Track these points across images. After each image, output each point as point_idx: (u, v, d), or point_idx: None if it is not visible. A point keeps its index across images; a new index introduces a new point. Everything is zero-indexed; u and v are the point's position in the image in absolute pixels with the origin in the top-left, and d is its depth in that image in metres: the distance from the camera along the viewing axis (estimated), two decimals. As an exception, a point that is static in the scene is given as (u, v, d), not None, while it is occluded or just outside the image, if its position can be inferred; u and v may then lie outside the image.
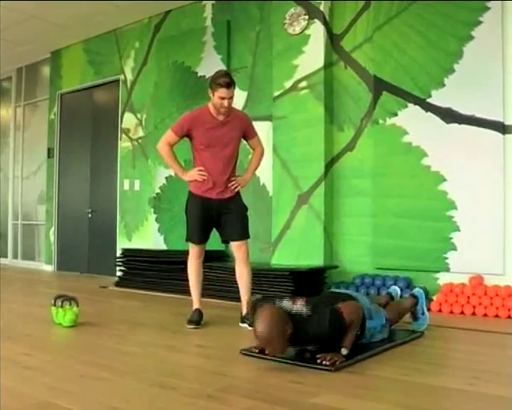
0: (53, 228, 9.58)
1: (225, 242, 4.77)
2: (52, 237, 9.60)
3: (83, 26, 8.44)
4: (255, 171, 4.88)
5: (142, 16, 8.17)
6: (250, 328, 4.25)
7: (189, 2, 7.59)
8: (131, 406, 2.50)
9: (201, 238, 4.61)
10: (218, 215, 4.55)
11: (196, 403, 2.52)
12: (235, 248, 4.58)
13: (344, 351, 3.21)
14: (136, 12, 7.97)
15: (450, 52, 5.34)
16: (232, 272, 5.87)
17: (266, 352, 3.22)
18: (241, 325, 4.46)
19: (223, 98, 4.37)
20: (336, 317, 3.20)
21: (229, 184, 4.52)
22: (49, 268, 9.56)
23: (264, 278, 5.62)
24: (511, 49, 5.07)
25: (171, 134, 4.55)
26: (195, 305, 4.58)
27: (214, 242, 7.28)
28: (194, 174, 4.49)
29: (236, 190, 4.57)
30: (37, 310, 5.34)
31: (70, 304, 4.40)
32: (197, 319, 4.44)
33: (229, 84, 4.39)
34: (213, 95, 4.44)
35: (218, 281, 6.03)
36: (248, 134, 4.70)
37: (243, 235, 4.58)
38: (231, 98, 4.44)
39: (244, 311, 4.47)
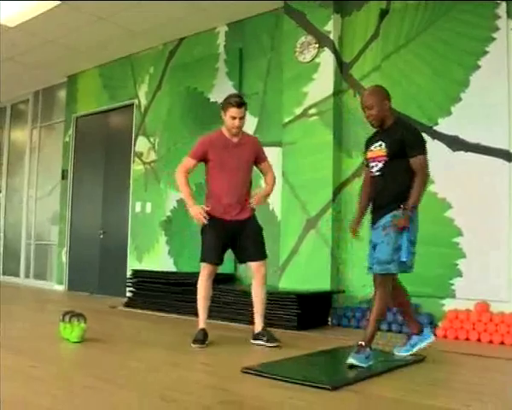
0: (65, 248, 9.70)
1: (242, 262, 4.81)
2: (64, 258, 9.70)
3: (99, 51, 8.64)
4: (270, 193, 4.90)
5: (156, 43, 8.34)
6: (264, 344, 4.32)
7: (202, 30, 7.75)
8: (132, 416, 2.57)
9: (217, 259, 4.64)
10: (234, 237, 4.61)
11: (196, 415, 2.59)
12: (254, 268, 4.63)
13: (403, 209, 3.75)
14: (150, 38, 8.14)
15: (457, 81, 5.42)
16: (241, 294, 5.94)
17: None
18: (252, 341, 4.54)
19: (234, 118, 4.51)
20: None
21: (250, 201, 4.64)
22: (61, 288, 9.65)
23: (270, 301, 5.64)
24: (516, 78, 5.16)
25: (189, 159, 4.65)
26: (201, 325, 4.62)
27: (224, 265, 7.36)
28: (197, 212, 4.54)
29: (254, 205, 4.67)
30: (46, 327, 5.41)
31: (78, 320, 4.46)
32: (202, 339, 4.48)
33: (240, 104, 4.52)
34: (225, 115, 4.56)
35: (228, 304, 6.08)
36: (260, 158, 4.79)
37: (262, 255, 4.65)
38: (242, 119, 4.56)
39: (258, 328, 4.55)
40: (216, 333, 4.83)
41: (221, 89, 7.39)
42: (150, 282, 7.15)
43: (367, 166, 4.13)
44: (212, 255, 4.62)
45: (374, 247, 3.97)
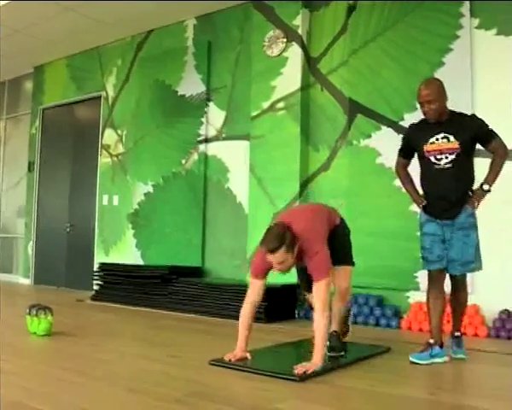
0: (31, 242, 9.60)
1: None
2: (30, 251, 9.61)
3: (66, 42, 8.55)
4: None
5: (124, 34, 8.30)
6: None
7: (171, 22, 7.74)
8: (102, 407, 2.59)
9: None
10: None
11: (165, 406, 2.61)
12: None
13: (486, 187, 3.79)
14: (118, 30, 8.09)
15: (423, 77, 5.44)
16: (207, 287, 5.97)
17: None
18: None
19: (272, 262, 3.66)
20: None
21: None
22: (27, 281, 9.56)
23: (237, 293, 5.71)
24: (479, 75, 5.29)
25: (253, 282, 3.87)
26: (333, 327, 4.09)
27: (191, 258, 7.39)
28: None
29: None
30: (13, 320, 5.37)
31: (45, 313, 4.44)
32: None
33: (273, 250, 3.57)
34: None
35: (196, 297, 6.11)
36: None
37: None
38: (283, 263, 3.61)
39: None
40: (184, 326, 4.86)
41: (189, 82, 7.42)
42: (117, 275, 7.14)
43: (422, 157, 4.02)
44: None
45: (442, 241, 3.94)
